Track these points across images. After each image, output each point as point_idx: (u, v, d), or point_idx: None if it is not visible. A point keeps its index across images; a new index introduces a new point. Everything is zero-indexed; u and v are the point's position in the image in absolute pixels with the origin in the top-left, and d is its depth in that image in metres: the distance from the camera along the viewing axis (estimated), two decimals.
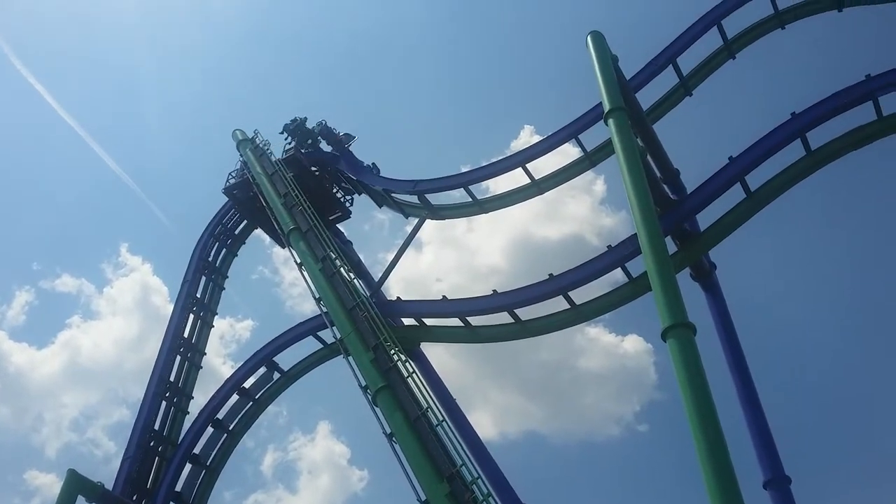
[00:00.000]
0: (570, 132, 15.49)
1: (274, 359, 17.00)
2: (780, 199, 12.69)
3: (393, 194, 17.74)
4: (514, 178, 16.34)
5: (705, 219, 13.21)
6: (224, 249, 20.61)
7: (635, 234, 10.69)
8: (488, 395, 34.02)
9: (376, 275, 18.11)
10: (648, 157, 13.11)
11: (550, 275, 13.39)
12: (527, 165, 15.97)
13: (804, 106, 12.38)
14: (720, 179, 12.56)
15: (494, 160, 16.39)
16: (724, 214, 12.80)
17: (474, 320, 14.20)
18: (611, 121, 11.94)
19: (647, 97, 15.41)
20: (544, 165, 16.36)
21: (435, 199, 17.11)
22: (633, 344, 34.44)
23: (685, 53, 15.49)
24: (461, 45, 40.89)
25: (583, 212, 35.38)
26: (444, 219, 17.51)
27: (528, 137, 32.61)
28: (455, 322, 14.39)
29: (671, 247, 12.93)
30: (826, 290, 27.88)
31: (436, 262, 36.15)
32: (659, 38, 15.63)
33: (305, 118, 20.96)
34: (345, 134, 20.26)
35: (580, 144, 15.65)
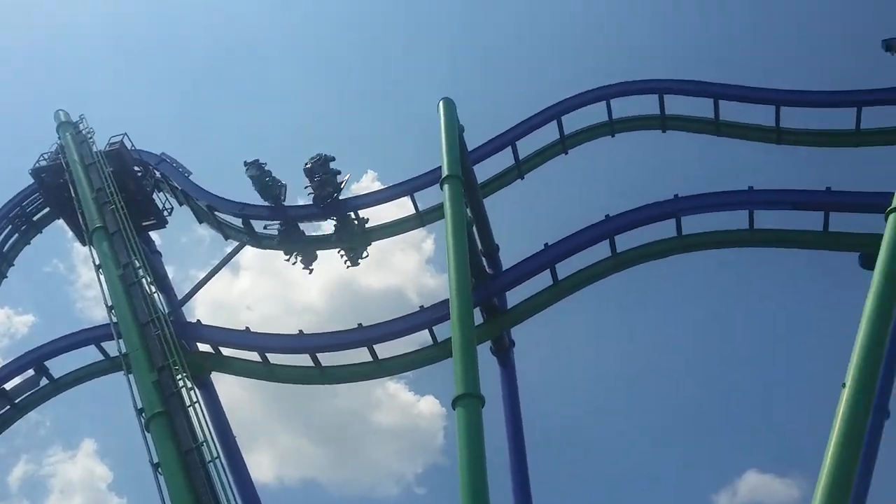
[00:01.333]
0: (406, 189, 15.80)
1: (45, 363, 15.51)
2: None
3: (217, 212, 17.08)
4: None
5: (514, 297, 13.96)
6: (17, 234, 18.77)
7: (448, 299, 11.02)
8: (275, 436, 32.97)
9: (182, 292, 17.21)
10: (474, 229, 13.62)
11: (360, 325, 13.36)
12: (358, 212, 16.05)
13: (618, 211, 13.42)
14: (532, 263, 13.24)
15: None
16: (530, 296, 13.48)
17: (274, 357, 13.79)
18: (446, 186, 12.42)
19: (486, 170, 16.18)
20: (381, 214, 16.63)
21: (260, 226, 16.70)
22: (428, 405, 34.88)
23: (526, 138, 16.39)
24: (322, 82, 40.65)
25: (409, 267, 35.85)
26: (265, 248, 17.08)
27: (368, 183, 32.87)
28: (254, 356, 13.90)
29: (478, 318, 13.47)
30: (618, 384, 29.72)
31: (251, 289, 34.98)
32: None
33: None
34: None
35: (414, 202, 15.93)
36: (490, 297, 13.54)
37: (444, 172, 12.56)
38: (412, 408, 34.87)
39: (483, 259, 14.35)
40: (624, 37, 35.17)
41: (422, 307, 13.28)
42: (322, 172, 15.88)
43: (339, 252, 16.44)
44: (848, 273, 12.89)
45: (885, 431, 13.06)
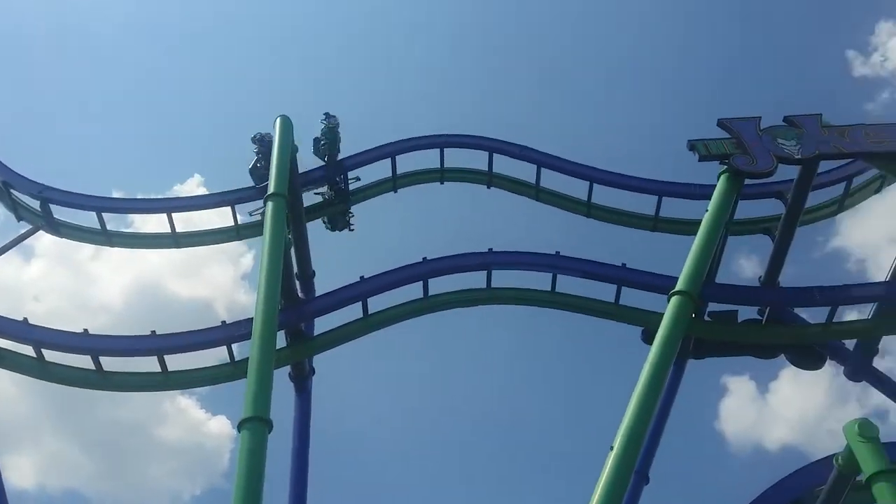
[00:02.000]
0: (227, 199, 15.34)
1: None
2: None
3: (12, 189, 15.64)
4: (161, 222, 15.60)
5: (323, 325, 13.90)
6: None
7: (252, 318, 10.80)
8: (41, 438, 30.10)
9: None
10: (292, 251, 13.49)
11: (153, 332, 12.69)
12: (173, 214, 15.35)
13: (436, 255, 13.83)
14: (345, 294, 13.29)
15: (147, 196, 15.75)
16: (338, 326, 13.50)
17: (51, 355, 12.70)
18: (270, 204, 12.25)
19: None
20: (199, 219, 15.98)
21: (62, 212, 15.49)
22: (219, 425, 33.44)
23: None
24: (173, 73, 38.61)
25: (223, 280, 34.47)
26: (62, 237, 15.83)
27: (192, 187, 31.49)
28: (27, 350, 12.74)
29: (282, 342, 13.28)
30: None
31: (42, 278, 32.07)
32: None
33: None
34: None
35: (234, 214, 15.49)
36: (297, 321, 13.41)
37: (270, 190, 12.39)
38: (201, 426, 33.31)
39: (297, 283, 14.19)
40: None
41: (223, 322, 12.87)
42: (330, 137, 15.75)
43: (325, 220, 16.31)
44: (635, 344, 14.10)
45: (642, 497, 14.36)
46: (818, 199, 15.73)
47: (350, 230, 16.47)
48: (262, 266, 11.23)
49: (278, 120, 13.75)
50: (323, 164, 15.98)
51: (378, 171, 16.68)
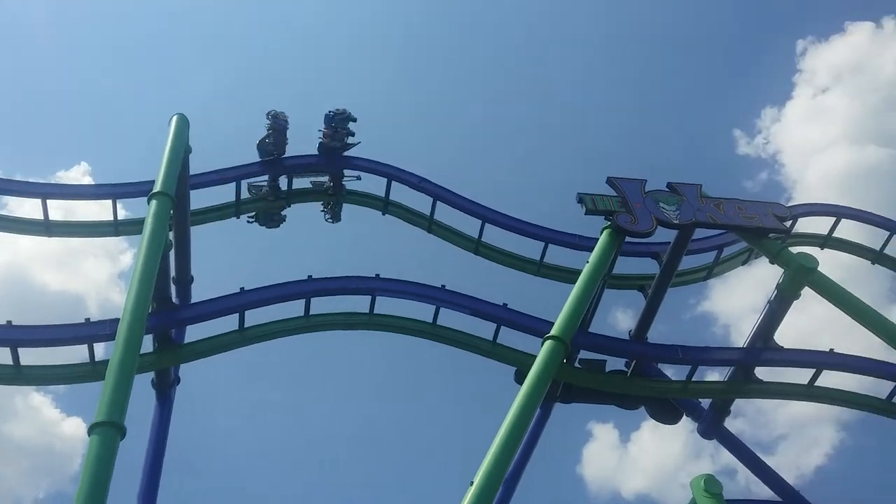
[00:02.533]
0: (108, 191, 14.68)
1: None
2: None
3: None
4: (35, 208, 14.74)
5: (196, 334, 13.46)
6: None
7: (119, 318, 10.33)
8: None
9: None
10: (172, 253, 13.03)
11: (9, 322, 11.91)
12: (48, 201, 14.55)
13: (327, 275, 13.72)
14: (222, 304, 12.91)
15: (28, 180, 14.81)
16: (210, 336, 13.11)
17: None
18: (153, 202, 11.81)
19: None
20: (81, 210, 15.21)
21: None
22: (72, 427, 31.53)
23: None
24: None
25: (99, 276, 32.75)
26: None
27: (77, 175, 29.98)
28: None
29: (149, 347, 12.76)
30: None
31: None
32: None
33: None
34: None
35: (114, 208, 14.84)
36: (167, 326, 12.91)
37: (156, 188, 11.96)
38: (54, 426, 31.30)
39: (173, 287, 13.70)
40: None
41: (87, 320, 12.24)
42: (340, 126, 15.82)
43: (322, 208, 16.72)
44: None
45: None
46: (690, 263, 16.64)
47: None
48: (136, 265, 10.79)
49: (174, 118, 13.34)
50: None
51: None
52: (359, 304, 14.22)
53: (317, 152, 16.18)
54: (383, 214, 17.23)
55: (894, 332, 12.91)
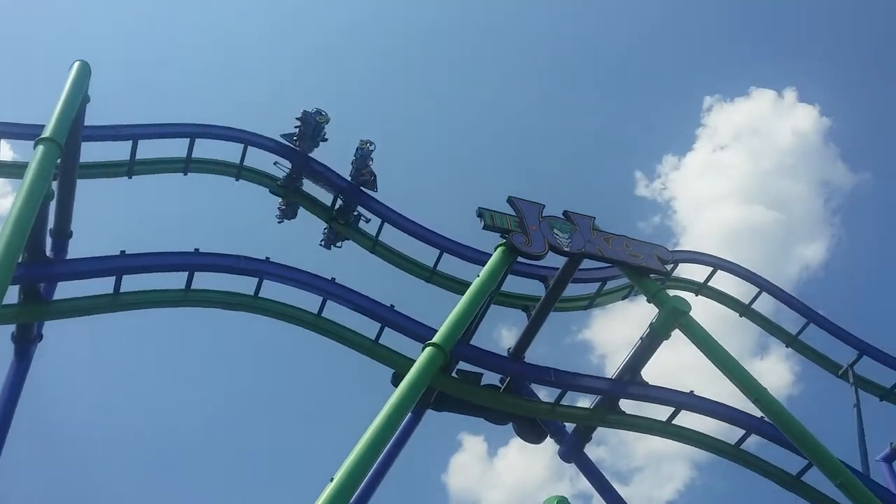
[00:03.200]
0: None
1: None
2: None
3: None
4: None
5: (66, 291, 12.83)
6: None
7: None
8: None
9: None
10: (53, 204, 12.40)
11: None
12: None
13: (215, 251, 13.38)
14: (98, 265, 12.34)
15: None
16: (81, 297, 12.53)
17: None
18: (40, 147, 11.21)
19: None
20: None
21: None
22: None
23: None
24: None
25: None
26: None
27: None
28: None
29: (13, 299, 12.05)
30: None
31: None
32: None
33: None
34: None
35: None
36: (36, 279, 12.22)
37: (45, 133, 11.35)
38: None
39: (49, 240, 13.02)
40: None
41: None
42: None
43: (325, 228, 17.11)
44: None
45: None
46: (575, 291, 17.22)
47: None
48: (12, 210, 10.20)
49: (76, 65, 12.70)
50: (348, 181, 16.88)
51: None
52: (245, 285, 13.98)
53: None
54: (237, 180, 17.05)
55: (749, 383, 13.71)
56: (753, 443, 15.39)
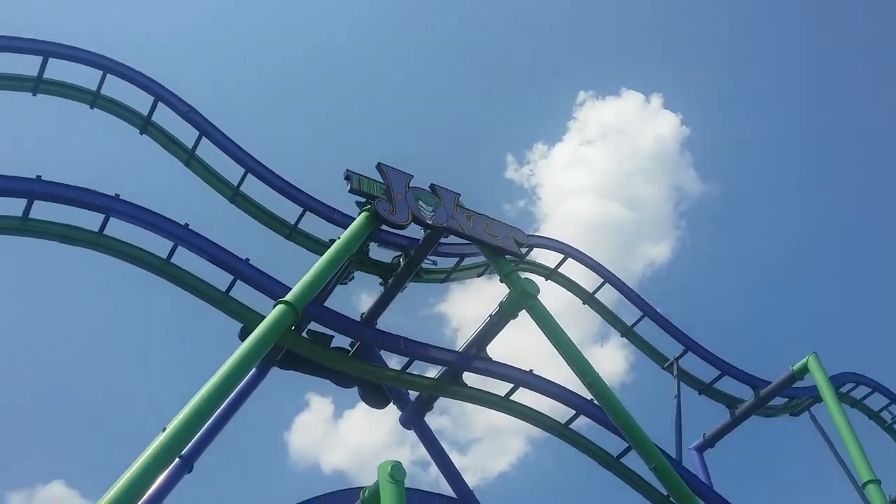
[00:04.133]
0: None
1: None
2: None
3: None
4: None
5: None
6: None
7: None
8: None
9: None
10: None
11: None
12: None
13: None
14: None
15: None
16: None
17: None
18: None
19: None
20: None
21: None
22: None
23: None
24: None
25: None
26: None
27: None
28: None
29: None
30: None
31: None
32: None
33: None
34: None
35: None
36: None
37: None
38: None
39: None
40: None
41: None
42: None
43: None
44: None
45: (180, 484, 14.24)
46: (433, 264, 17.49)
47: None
48: None
49: None
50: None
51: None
52: (92, 222, 13.17)
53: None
54: (140, 134, 16.15)
55: (584, 367, 14.49)
56: (583, 424, 16.37)
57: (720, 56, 47.29)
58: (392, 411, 16.50)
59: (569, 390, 15.82)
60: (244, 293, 14.09)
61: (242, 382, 13.11)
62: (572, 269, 20.44)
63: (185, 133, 16.15)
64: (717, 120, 50.78)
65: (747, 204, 49.78)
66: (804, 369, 19.88)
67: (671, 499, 14.69)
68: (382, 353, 15.55)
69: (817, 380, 19.57)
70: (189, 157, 15.95)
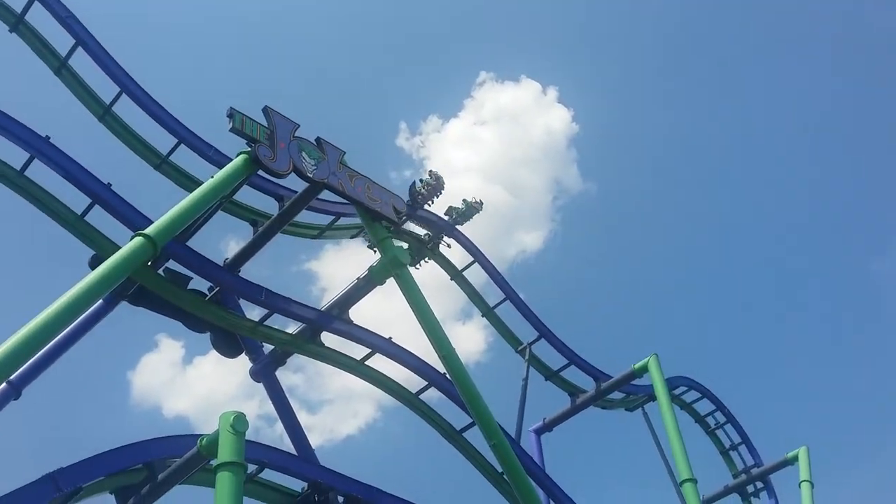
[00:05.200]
0: None
1: None
2: None
3: None
4: None
5: None
6: None
7: None
8: None
9: None
10: None
11: None
12: None
13: None
14: None
15: None
16: None
17: None
18: None
19: None
20: None
21: None
22: None
23: None
24: None
25: None
26: None
27: None
28: None
29: None
30: None
31: None
32: None
33: None
34: None
35: None
36: None
37: None
38: None
39: None
40: None
41: None
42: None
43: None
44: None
45: (6, 409, 13.40)
46: (308, 218, 17.21)
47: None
48: None
49: None
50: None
51: None
52: None
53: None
54: (10, 32, 14.86)
55: (441, 340, 14.74)
56: (434, 396, 16.69)
57: (619, 60, 48.91)
58: (244, 363, 16.15)
59: (423, 361, 16.08)
60: (102, 221, 13.38)
61: (87, 312, 12.48)
62: (445, 246, 20.69)
63: (61, 40, 14.99)
64: (606, 122, 52.68)
65: (619, 207, 52.13)
66: (644, 368, 21.11)
67: (505, 476, 15.26)
68: (242, 302, 15.16)
69: (654, 380, 20.84)
70: (60, 66, 14.83)
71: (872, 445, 43.18)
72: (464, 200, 20.31)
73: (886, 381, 44.18)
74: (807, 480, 22.63)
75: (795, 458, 23.57)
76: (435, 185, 18.72)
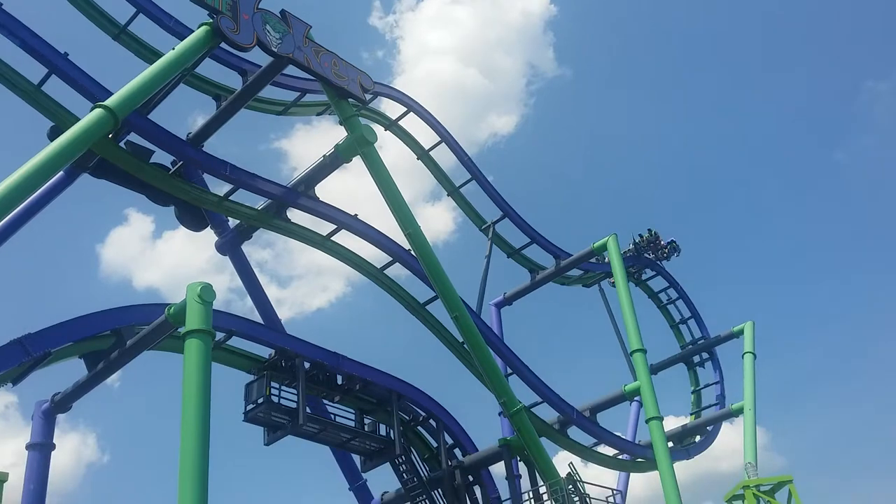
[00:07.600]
0: None
1: None
2: None
3: None
4: None
5: None
6: None
7: None
8: None
9: None
10: None
11: None
12: None
13: None
14: None
15: None
16: None
17: None
18: None
19: None
20: None
21: None
22: None
23: None
24: None
25: None
26: None
27: None
28: None
29: None
30: None
31: None
32: None
33: None
34: None
35: None
36: None
37: None
38: None
39: None
40: None
41: None
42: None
43: None
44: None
45: None
46: (273, 94, 16.97)
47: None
48: None
49: None
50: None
51: None
52: None
53: None
54: None
55: (407, 218, 15.04)
56: (401, 273, 17.14)
57: None
58: (214, 238, 16.30)
59: (388, 237, 16.42)
60: (60, 91, 13.13)
61: (48, 184, 12.46)
62: (413, 125, 20.63)
63: None
64: (584, 4, 51.36)
65: (593, 93, 51.70)
66: (603, 247, 21.74)
67: (465, 346, 15.99)
68: (209, 178, 15.17)
69: (612, 257, 21.50)
70: None
71: (816, 323, 45.52)
72: None
73: (836, 264, 46.00)
74: (750, 352, 23.90)
75: (741, 332, 24.79)
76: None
